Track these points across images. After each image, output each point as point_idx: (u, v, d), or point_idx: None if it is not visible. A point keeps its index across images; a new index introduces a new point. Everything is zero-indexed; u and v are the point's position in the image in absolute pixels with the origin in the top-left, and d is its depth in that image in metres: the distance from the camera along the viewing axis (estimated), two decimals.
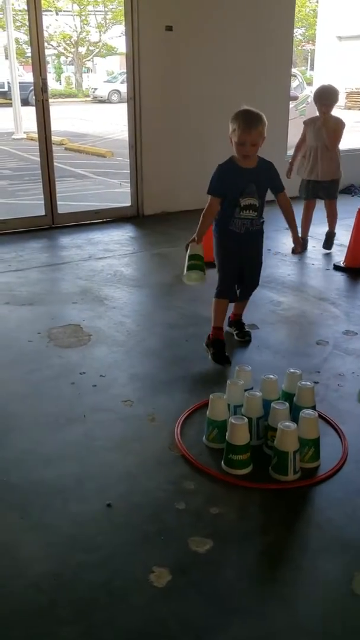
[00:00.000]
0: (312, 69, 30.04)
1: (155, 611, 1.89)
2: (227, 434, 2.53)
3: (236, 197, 3.31)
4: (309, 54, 32.51)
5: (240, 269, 3.56)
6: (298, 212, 4.15)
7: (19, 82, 14.87)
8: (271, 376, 2.82)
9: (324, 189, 5.47)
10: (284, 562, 2.11)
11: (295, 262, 5.25)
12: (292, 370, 2.92)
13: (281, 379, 2.90)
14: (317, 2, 29.84)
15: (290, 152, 8.26)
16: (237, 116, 3.22)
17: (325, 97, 5.31)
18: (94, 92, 27.29)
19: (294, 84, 9.32)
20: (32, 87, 5.96)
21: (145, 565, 2.04)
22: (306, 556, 2.13)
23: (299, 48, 31.73)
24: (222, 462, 2.54)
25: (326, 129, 5.26)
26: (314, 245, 5.68)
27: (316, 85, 23.63)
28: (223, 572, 2.04)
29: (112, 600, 1.92)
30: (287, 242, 5.83)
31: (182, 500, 2.36)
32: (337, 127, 5.30)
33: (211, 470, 2.52)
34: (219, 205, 3.38)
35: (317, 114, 5.44)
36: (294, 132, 8.46)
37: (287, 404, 2.64)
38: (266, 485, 2.45)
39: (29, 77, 17.41)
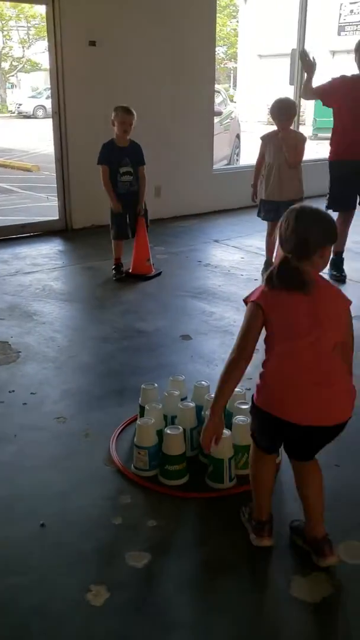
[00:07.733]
0: (234, 86, 30.77)
1: (93, 631, 1.83)
2: (162, 444, 2.50)
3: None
4: (232, 72, 33.27)
5: None
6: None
7: None
8: (203, 382, 2.84)
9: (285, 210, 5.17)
10: (224, 570, 2.09)
11: (225, 274, 5.31)
12: None
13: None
14: (237, 22, 30.69)
15: (217, 165, 8.43)
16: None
17: (285, 110, 4.87)
18: (18, 107, 26.90)
19: (218, 99, 9.49)
20: None
21: (82, 584, 1.97)
22: (245, 562, 2.13)
23: (222, 66, 32.42)
24: (158, 474, 2.51)
25: (286, 145, 4.83)
26: (243, 257, 5.77)
27: (238, 101, 24.17)
28: (162, 585, 2.01)
29: (48, 623, 1.85)
30: (216, 255, 5.91)
31: (118, 515, 2.31)
32: (298, 142, 4.90)
33: (146, 483, 2.49)
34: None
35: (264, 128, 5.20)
36: (219, 147, 8.65)
37: None
38: (202, 494, 2.44)
39: None
